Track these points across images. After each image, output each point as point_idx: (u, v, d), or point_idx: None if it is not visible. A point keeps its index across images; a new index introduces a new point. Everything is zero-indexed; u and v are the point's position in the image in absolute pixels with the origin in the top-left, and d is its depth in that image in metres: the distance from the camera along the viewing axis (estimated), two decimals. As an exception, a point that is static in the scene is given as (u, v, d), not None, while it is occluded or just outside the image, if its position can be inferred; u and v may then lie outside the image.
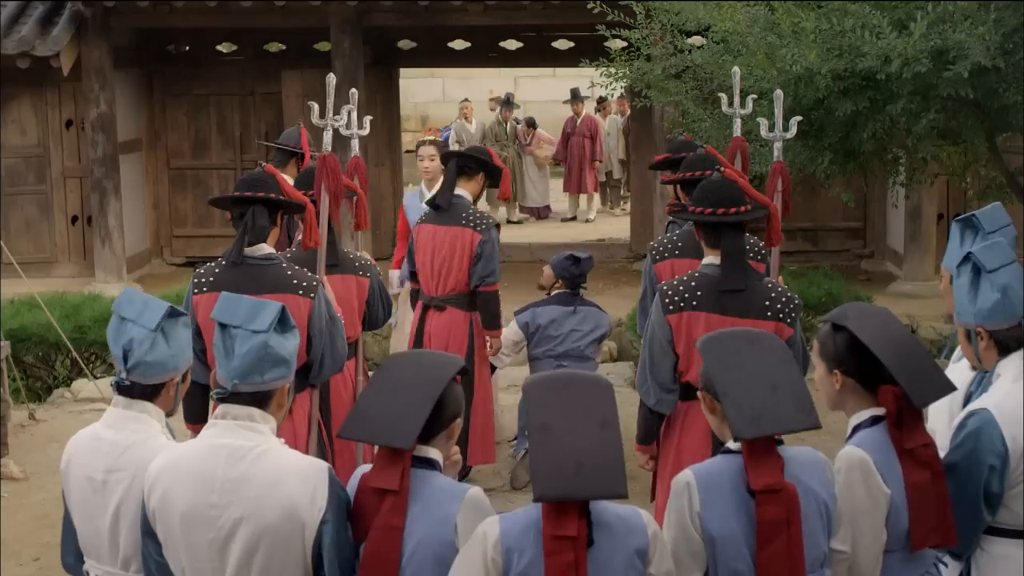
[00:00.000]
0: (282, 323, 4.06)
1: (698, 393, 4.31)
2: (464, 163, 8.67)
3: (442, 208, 8.54)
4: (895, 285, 14.64)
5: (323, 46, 16.67)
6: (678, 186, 7.39)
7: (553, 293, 9.31)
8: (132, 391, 4.29)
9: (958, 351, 5.18)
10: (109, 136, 15.52)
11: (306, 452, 6.00)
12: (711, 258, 6.04)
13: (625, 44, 11.25)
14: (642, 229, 16.66)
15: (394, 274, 10.07)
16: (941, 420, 5.06)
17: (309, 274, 6.38)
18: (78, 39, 15.18)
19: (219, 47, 17.73)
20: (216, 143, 17.36)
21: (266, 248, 6.31)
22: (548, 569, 3.79)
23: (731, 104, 7.70)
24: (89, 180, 15.75)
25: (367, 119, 7.41)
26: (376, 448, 4.12)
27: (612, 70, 11.09)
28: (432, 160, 9.91)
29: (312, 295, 6.29)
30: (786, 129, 7.14)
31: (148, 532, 4.11)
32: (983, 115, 8.59)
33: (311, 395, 6.53)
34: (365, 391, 4.24)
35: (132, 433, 4.28)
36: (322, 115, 6.87)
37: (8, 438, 9.45)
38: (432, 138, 9.99)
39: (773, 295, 6.04)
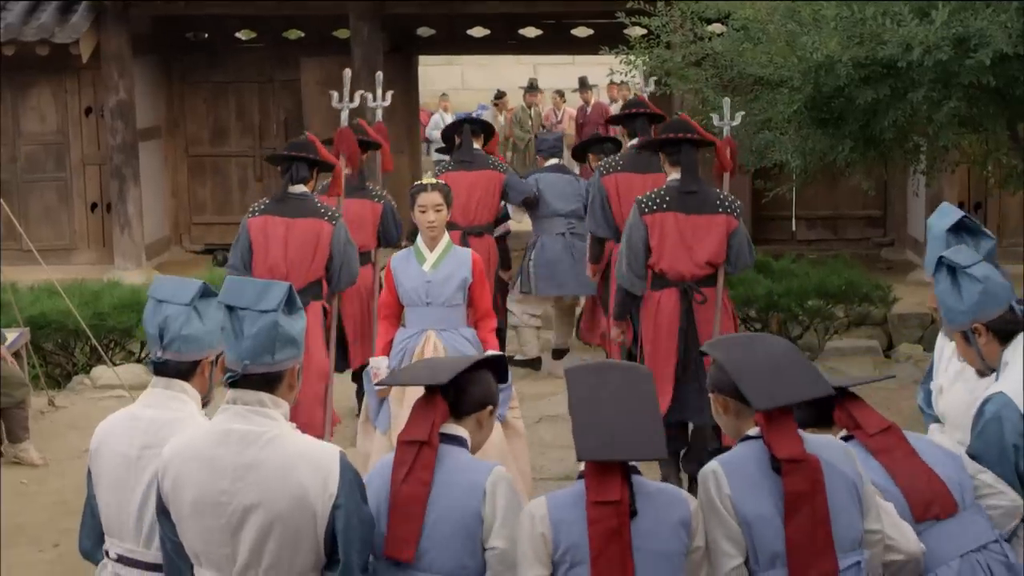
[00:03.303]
0: (289, 304, 4.05)
1: (710, 396, 4.36)
2: (473, 127, 11.06)
3: (467, 161, 10.66)
4: (915, 273, 14.57)
5: (342, 33, 16.66)
6: (661, 149, 8.53)
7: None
8: (167, 369, 4.36)
9: (933, 427, 5.26)
10: (128, 123, 15.54)
11: (324, 351, 8.37)
12: (674, 175, 8.16)
13: (645, 31, 11.22)
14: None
15: (380, 363, 7.55)
16: (957, 415, 5.08)
17: (332, 207, 8.52)
18: (97, 26, 15.21)
19: (238, 34, 17.73)
20: (235, 131, 17.37)
21: (303, 188, 8.36)
22: (592, 536, 3.92)
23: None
24: (108, 167, 15.78)
25: (389, 93, 10.08)
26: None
27: (631, 58, 11.06)
28: (438, 211, 7.42)
29: (334, 221, 8.26)
30: (733, 119, 8.98)
31: (163, 512, 4.13)
32: (1004, 103, 8.54)
33: (334, 300, 8.60)
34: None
35: (172, 411, 4.33)
36: (340, 100, 9.25)
37: (29, 424, 9.48)
38: (435, 181, 7.58)
39: (721, 197, 8.20)
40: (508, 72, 26.21)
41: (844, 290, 12.58)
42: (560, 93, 23.50)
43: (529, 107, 22.35)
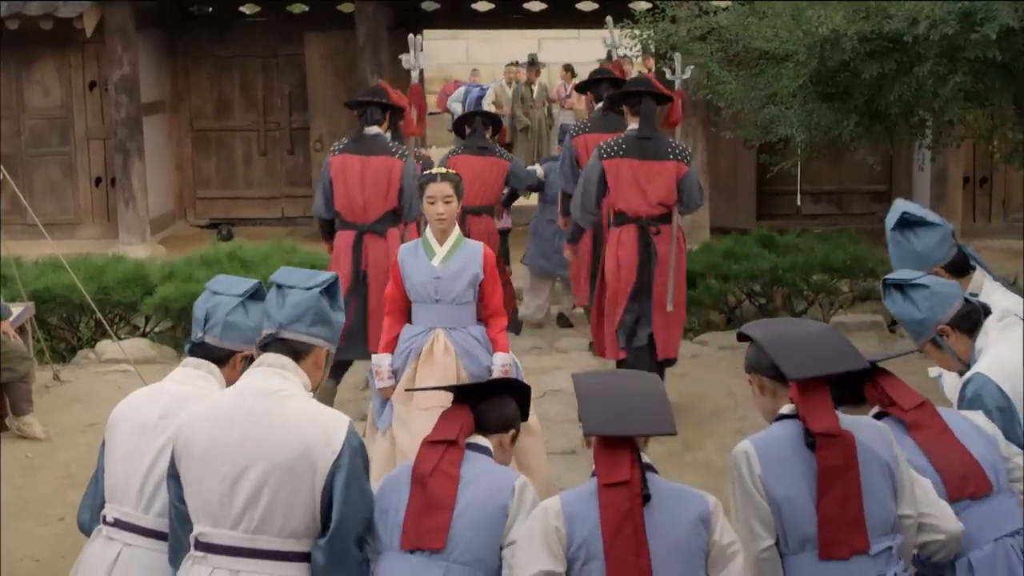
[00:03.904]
0: (332, 294, 4.30)
1: (748, 379, 4.33)
2: (486, 119, 11.60)
3: (481, 147, 11.18)
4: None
5: (346, 7, 16.60)
6: (624, 102, 9.60)
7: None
8: (202, 351, 4.51)
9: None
10: (132, 98, 15.51)
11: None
12: (633, 124, 9.20)
13: (650, 5, 11.19)
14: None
15: (383, 360, 7.15)
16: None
17: (402, 145, 9.83)
18: (101, 0, 15.16)
19: (242, 8, 17.68)
20: (239, 105, 17.33)
21: (377, 129, 9.49)
22: (605, 520, 3.91)
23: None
24: (112, 142, 15.77)
25: (422, 55, 10.47)
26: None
27: (636, 32, 11.03)
28: (448, 203, 7.09)
29: (404, 158, 9.44)
30: (684, 73, 10.67)
31: (173, 475, 4.20)
32: (1010, 77, 8.51)
33: (404, 227, 9.56)
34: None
35: (195, 388, 4.43)
36: (409, 63, 10.42)
37: (32, 397, 9.49)
38: (445, 171, 7.27)
39: (672, 145, 9.25)
40: (513, 46, 26.11)
41: (849, 265, 12.57)
42: (569, 68, 23.19)
43: (530, 84, 22.15)
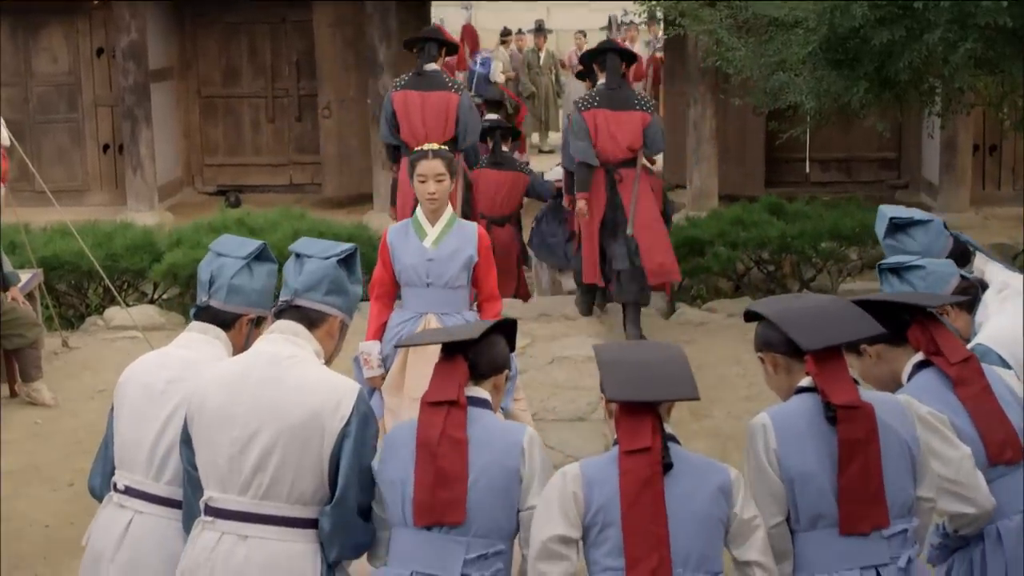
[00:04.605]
0: (350, 265, 4.33)
1: (758, 356, 4.27)
2: (503, 131, 12.22)
3: (499, 163, 11.74)
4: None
5: (354, -26, 16.56)
6: (592, 60, 10.94)
7: None
8: (208, 315, 4.49)
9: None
10: (140, 64, 15.50)
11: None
12: (602, 79, 10.48)
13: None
14: (675, 159, 16.56)
15: (372, 348, 6.76)
16: None
17: (458, 80, 11.35)
18: (109, -34, 15.14)
19: (250, -26, 17.65)
20: (247, 71, 17.31)
21: (433, 65, 10.49)
22: (624, 486, 3.86)
23: (610, 28, 11.89)
24: (120, 108, 15.77)
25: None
26: None
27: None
28: (440, 181, 6.67)
29: (460, 92, 10.57)
30: (659, 41, 11.32)
31: (186, 440, 4.21)
32: (1020, 44, 8.48)
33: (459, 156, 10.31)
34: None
35: (202, 353, 4.42)
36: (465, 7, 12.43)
37: (41, 363, 9.51)
38: (436, 147, 6.85)
39: (637, 96, 10.69)
40: (520, 13, 26.04)
41: (858, 232, 12.53)
42: (583, 33, 22.94)
43: (539, 50, 21.98)
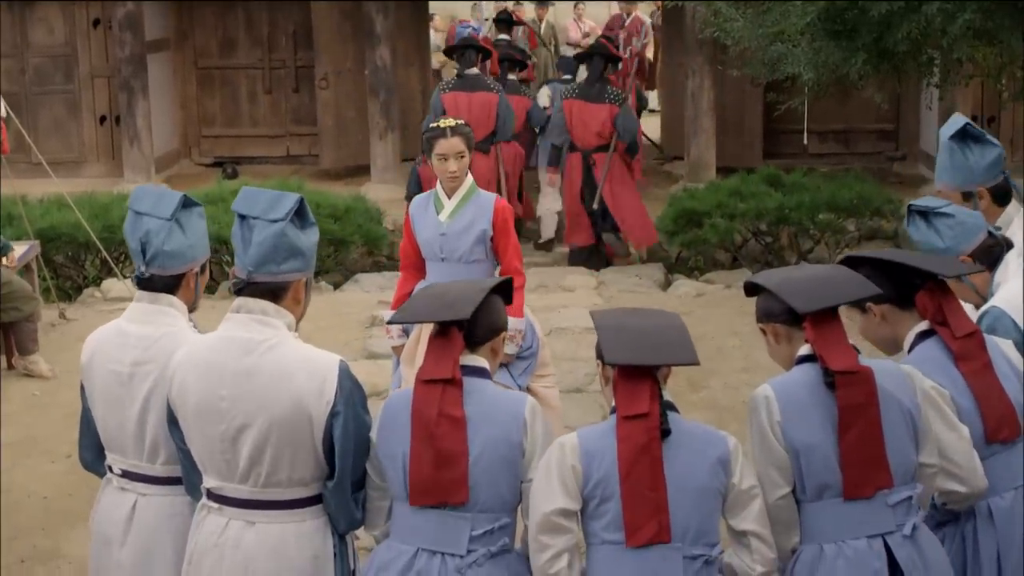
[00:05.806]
0: (300, 216, 4.08)
1: (760, 328, 4.27)
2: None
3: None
4: (927, 187, 14.49)
5: (351, -56, 16.51)
6: (579, 61, 13.64)
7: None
8: (153, 284, 4.32)
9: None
10: (136, 35, 15.45)
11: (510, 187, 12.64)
12: (583, 75, 12.76)
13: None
14: (673, 131, 16.53)
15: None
16: None
17: (497, 81, 13.17)
18: (104, -63, 15.08)
19: (246, -55, 17.58)
20: (244, 43, 17.25)
21: (474, 69, 12.57)
22: (621, 453, 3.85)
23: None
24: (117, 80, 15.74)
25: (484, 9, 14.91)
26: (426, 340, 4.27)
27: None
28: (461, 158, 6.56)
29: (499, 92, 12.65)
30: (645, 39, 12.57)
31: (172, 421, 4.16)
32: (1019, 15, 8.45)
33: (499, 147, 12.72)
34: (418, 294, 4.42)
35: (160, 326, 4.30)
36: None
37: (39, 335, 9.51)
38: (457, 122, 6.65)
39: (610, 91, 12.52)
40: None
41: (855, 204, 12.55)
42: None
43: (540, 21, 21.87)
